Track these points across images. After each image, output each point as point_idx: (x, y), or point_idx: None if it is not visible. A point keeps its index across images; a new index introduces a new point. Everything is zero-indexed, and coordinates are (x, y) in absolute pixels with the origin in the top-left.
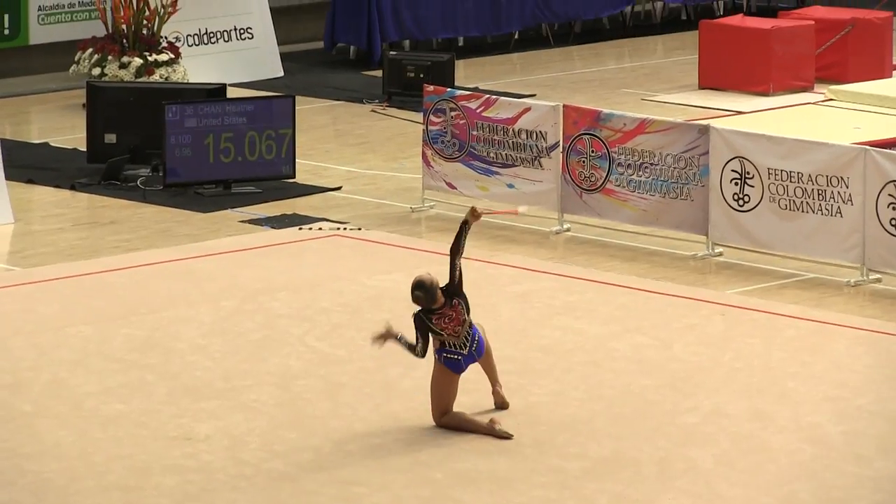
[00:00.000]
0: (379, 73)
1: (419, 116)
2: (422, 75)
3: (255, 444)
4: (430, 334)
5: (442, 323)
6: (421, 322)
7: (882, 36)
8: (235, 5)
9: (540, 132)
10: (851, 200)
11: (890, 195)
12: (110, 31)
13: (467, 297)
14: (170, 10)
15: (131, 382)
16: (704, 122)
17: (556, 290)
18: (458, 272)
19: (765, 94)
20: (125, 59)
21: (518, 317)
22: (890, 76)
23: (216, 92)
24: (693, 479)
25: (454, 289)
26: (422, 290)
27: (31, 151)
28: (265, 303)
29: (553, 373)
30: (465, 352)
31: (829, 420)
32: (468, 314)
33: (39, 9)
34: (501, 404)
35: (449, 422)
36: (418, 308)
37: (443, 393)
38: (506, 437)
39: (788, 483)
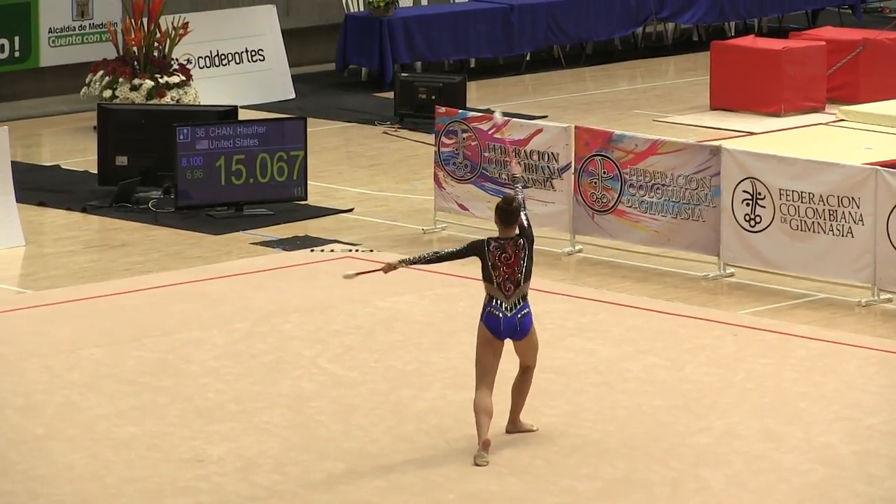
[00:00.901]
0: (391, 94)
1: (431, 138)
2: (433, 97)
3: (267, 467)
4: (486, 265)
5: (499, 258)
6: (480, 248)
7: (893, 56)
8: (247, 27)
9: (552, 153)
10: (863, 221)
11: None
12: (121, 53)
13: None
14: (181, 31)
15: (144, 405)
16: (716, 143)
17: (569, 312)
18: (525, 220)
19: (776, 114)
20: (136, 81)
21: None
22: None
23: (228, 114)
24: (705, 499)
25: (526, 231)
26: (506, 203)
27: (43, 174)
28: (277, 325)
29: (565, 394)
30: (508, 314)
31: (841, 440)
32: (526, 271)
33: (50, 31)
34: (527, 428)
35: (476, 403)
36: (485, 238)
37: (480, 357)
38: (481, 463)
39: (800, 503)
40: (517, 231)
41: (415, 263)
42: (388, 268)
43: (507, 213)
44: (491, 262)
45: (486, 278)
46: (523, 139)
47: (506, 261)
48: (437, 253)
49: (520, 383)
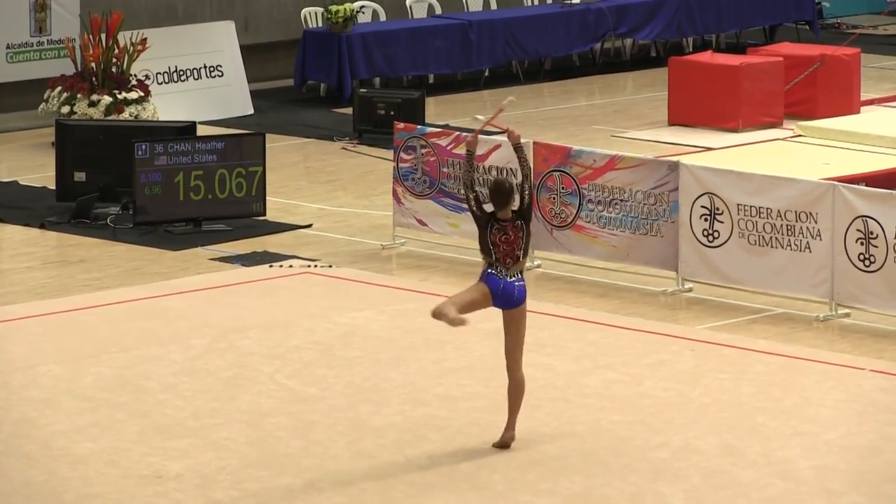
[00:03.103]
0: (349, 110)
1: (390, 154)
2: (392, 112)
3: (226, 483)
4: (485, 238)
5: (498, 238)
6: (485, 223)
7: (850, 72)
8: (205, 43)
9: (510, 169)
10: (820, 236)
11: (858, 230)
12: (79, 69)
13: (531, 234)
14: (139, 47)
15: (101, 421)
16: (674, 159)
17: (528, 327)
18: (526, 195)
19: (734, 130)
20: (94, 97)
21: (490, 354)
22: (858, 112)
23: (186, 130)
24: None
25: (523, 211)
26: (496, 186)
27: (0, 190)
28: (236, 341)
29: (524, 409)
30: (507, 279)
31: (800, 455)
32: (525, 248)
33: (8, 47)
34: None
35: (440, 309)
36: (491, 215)
37: (468, 290)
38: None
39: None
40: (514, 209)
41: (470, 158)
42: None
43: (499, 194)
44: (491, 239)
45: (485, 252)
46: (482, 155)
47: (505, 241)
48: (469, 177)
49: (511, 388)
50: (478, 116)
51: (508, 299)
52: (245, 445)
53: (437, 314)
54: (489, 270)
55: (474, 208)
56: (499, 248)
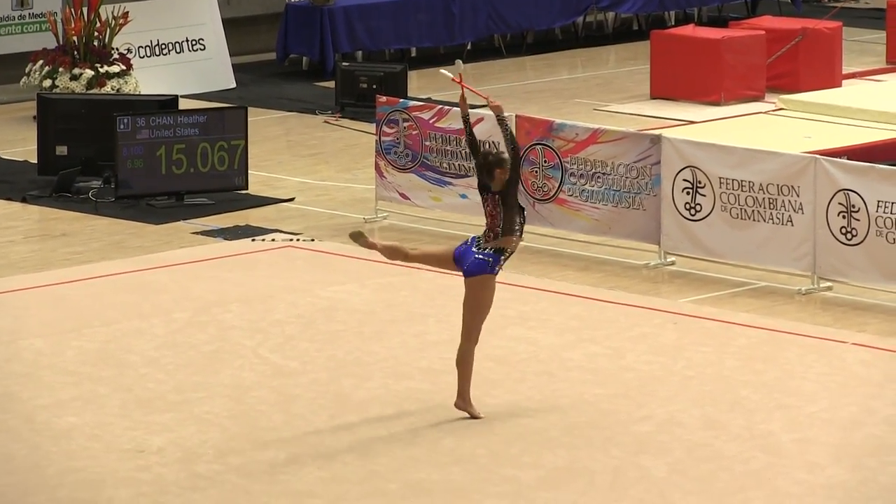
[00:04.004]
0: (332, 84)
1: (372, 127)
2: (374, 86)
3: (208, 457)
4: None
5: (484, 209)
6: (481, 189)
7: (832, 45)
8: (187, 16)
9: (492, 143)
10: (802, 209)
11: (840, 204)
12: (61, 42)
13: (512, 214)
14: (121, 21)
15: (84, 395)
16: (656, 132)
17: (510, 301)
18: (514, 173)
19: (716, 103)
20: (76, 70)
21: None
22: (840, 85)
23: (168, 103)
24: (647, 487)
25: (506, 189)
26: (482, 157)
27: None
28: (218, 315)
29: (507, 383)
30: (472, 247)
31: (782, 428)
32: (505, 225)
33: None
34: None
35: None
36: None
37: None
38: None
39: (741, 491)
40: (501, 185)
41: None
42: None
43: (481, 167)
44: (484, 209)
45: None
46: (462, 128)
47: (489, 213)
48: (471, 139)
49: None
50: (441, 70)
51: (460, 264)
52: (227, 419)
53: (356, 236)
54: (474, 236)
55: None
56: (487, 220)
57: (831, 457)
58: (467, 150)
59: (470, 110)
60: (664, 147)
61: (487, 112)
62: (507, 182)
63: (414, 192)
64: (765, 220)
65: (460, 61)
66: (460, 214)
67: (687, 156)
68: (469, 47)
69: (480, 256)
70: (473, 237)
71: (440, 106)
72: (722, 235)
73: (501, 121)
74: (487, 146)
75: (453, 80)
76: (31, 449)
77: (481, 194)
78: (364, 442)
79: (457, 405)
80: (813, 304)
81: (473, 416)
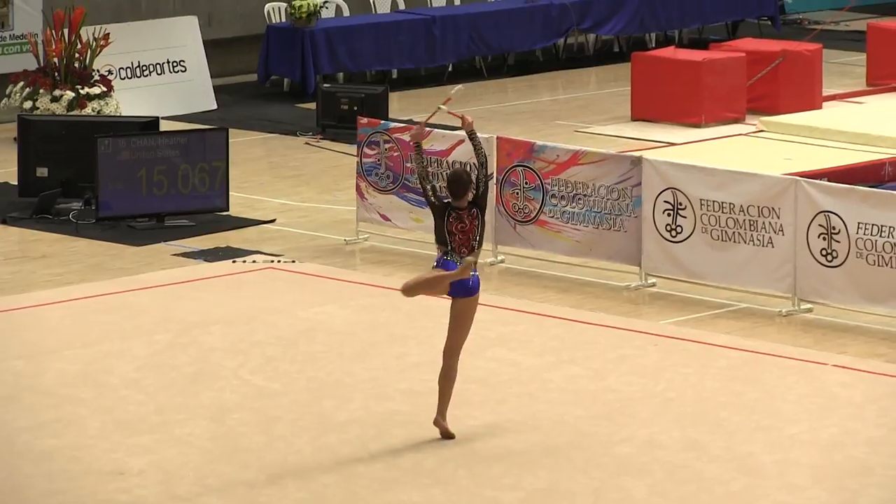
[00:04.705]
0: (313, 105)
1: (353, 149)
2: (356, 108)
3: (189, 479)
4: (441, 228)
5: (455, 226)
6: (441, 213)
7: (812, 67)
8: (168, 38)
9: (474, 164)
10: (783, 231)
11: (820, 225)
12: (42, 64)
13: (484, 225)
14: (102, 42)
15: (64, 417)
16: (637, 154)
17: (491, 322)
18: (482, 184)
19: (697, 125)
20: (57, 92)
21: None
22: (820, 107)
23: (149, 125)
24: None
25: (479, 201)
26: (455, 176)
27: None
28: (199, 336)
29: (488, 404)
30: (448, 264)
31: (762, 449)
32: (480, 238)
33: None
34: (445, 434)
35: (410, 284)
36: (448, 205)
37: (426, 273)
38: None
39: None
40: (470, 199)
41: (419, 149)
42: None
43: (456, 184)
44: (448, 228)
45: (441, 241)
46: (445, 150)
47: (462, 229)
48: (422, 168)
49: (447, 375)
50: (441, 106)
51: (464, 287)
52: (208, 441)
53: (408, 289)
54: (445, 258)
55: (431, 198)
56: (455, 238)
57: (812, 478)
58: (448, 172)
59: (449, 132)
60: (645, 169)
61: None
62: (485, 193)
63: (395, 214)
64: (745, 242)
65: (461, 87)
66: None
67: (668, 177)
68: (450, 69)
69: (475, 273)
70: (444, 258)
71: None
72: (703, 257)
73: (473, 136)
74: (468, 167)
75: (442, 104)
76: (12, 471)
77: (445, 213)
78: (345, 463)
79: (436, 422)
80: (793, 325)
81: (447, 435)
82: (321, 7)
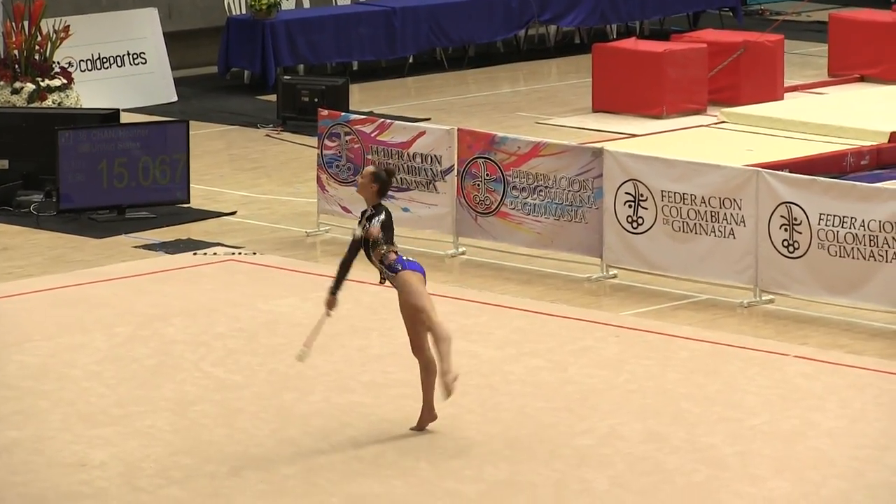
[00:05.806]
0: (273, 97)
1: (314, 141)
2: (316, 100)
3: (150, 471)
4: (388, 233)
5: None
6: (358, 241)
7: (774, 59)
8: (128, 30)
9: (434, 156)
10: (744, 222)
11: (782, 216)
12: (2, 56)
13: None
14: (62, 35)
15: (25, 409)
16: (598, 146)
17: (452, 314)
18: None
19: (658, 116)
20: (17, 84)
21: None
22: (782, 98)
23: (109, 117)
24: (589, 501)
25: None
26: (389, 175)
27: None
28: (160, 328)
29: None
30: (403, 259)
31: (724, 441)
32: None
33: None
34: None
35: (424, 357)
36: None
37: (423, 293)
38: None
39: None
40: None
41: (336, 289)
42: (330, 305)
43: (387, 184)
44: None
45: (390, 241)
46: (406, 142)
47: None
48: (340, 270)
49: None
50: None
51: (420, 270)
52: (170, 433)
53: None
54: (404, 258)
55: (352, 251)
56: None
57: (773, 469)
58: (410, 164)
59: (410, 123)
60: (606, 160)
61: (429, 126)
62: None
63: (356, 206)
64: (707, 234)
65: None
66: (402, 228)
67: (629, 169)
68: (411, 61)
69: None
70: (402, 257)
71: (382, 119)
72: (664, 248)
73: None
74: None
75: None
76: None
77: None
78: (306, 455)
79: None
80: (755, 316)
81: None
82: None
